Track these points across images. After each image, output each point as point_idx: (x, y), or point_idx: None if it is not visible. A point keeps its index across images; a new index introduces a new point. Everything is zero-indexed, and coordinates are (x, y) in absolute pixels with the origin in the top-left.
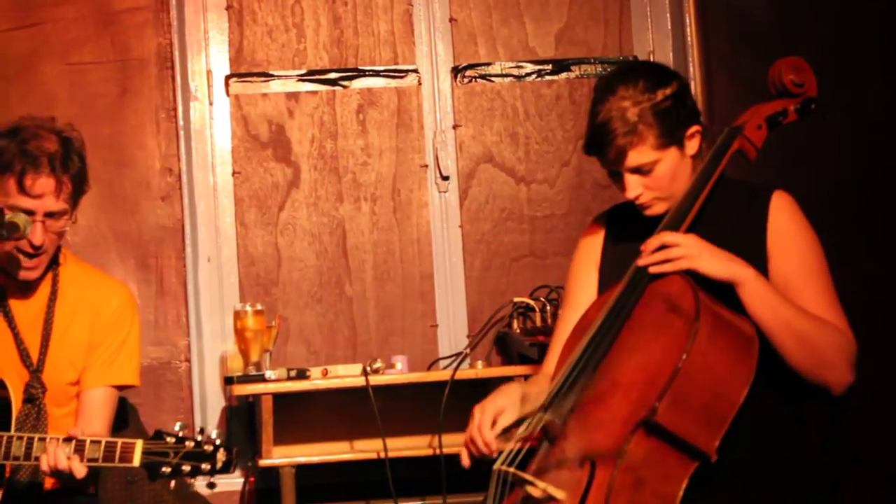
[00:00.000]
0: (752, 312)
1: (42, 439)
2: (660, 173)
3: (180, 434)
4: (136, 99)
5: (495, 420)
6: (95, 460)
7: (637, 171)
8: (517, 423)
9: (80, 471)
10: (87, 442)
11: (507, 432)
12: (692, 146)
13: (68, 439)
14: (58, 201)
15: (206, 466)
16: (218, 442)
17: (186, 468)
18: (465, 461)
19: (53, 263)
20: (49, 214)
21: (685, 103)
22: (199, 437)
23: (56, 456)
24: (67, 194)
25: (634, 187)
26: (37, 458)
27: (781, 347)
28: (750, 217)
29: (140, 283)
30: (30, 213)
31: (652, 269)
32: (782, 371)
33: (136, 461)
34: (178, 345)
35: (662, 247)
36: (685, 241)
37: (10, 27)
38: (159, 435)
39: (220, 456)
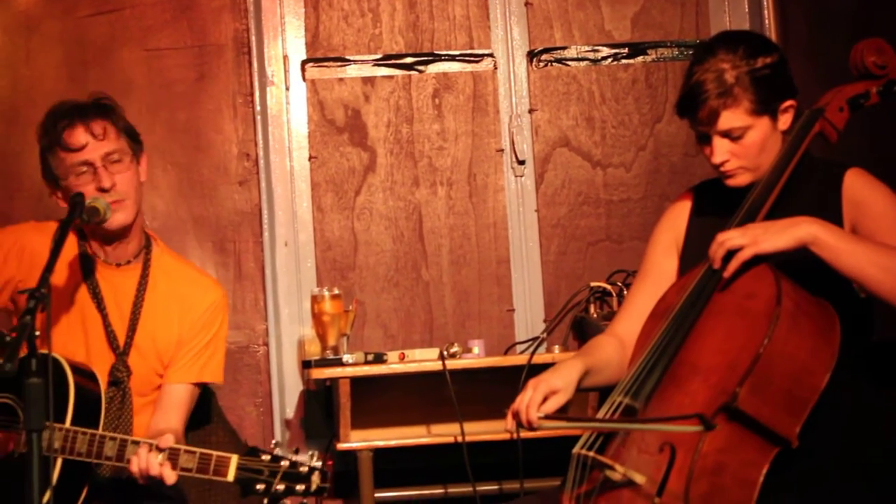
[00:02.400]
0: (833, 263)
1: (135, 443)
2: (749, 141)
3: (276, 451)
4: (213, 84)
5: (547, 398)
6: (189, 470)
7: (727, 135)
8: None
9: (170, 478)
10: (182, 451)
11: (554, 418)
12: (785, 120)
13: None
14: (105, 141)
15: (300, 487)
16: (314, 464)
17: (280, 487)
18: (510, 426)
19: (146, 247)
20: (107, 158)
21: (783, 75)
22: (295, 458)
23: (148, 461)
24: (114, 134)
25: (722, 152)
26: (128, 461)
27: (876, 288)
28: (825, 196)
29: (218, 267)
30: (87, 164)
31: (725, 275)
32: (865, 354)
33: (231, 476)
34: (255, 329)
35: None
36: (738, 233)
37: (90, 13)
38: (254, 451)
39: (315, 478)
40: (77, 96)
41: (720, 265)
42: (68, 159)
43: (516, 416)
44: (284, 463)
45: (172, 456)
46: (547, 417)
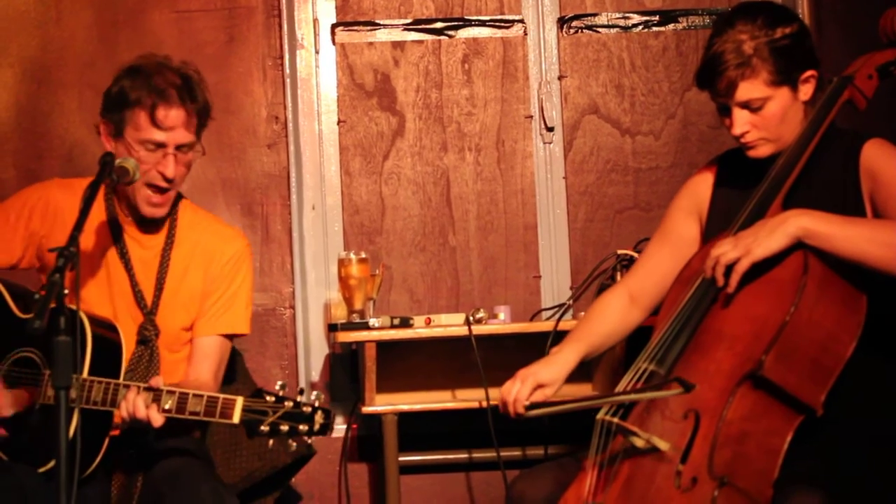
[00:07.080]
0: (831, 251)
1: (149, 389)
2: (769, 112)
3: (280, 393)
4: (243, 47)
5: (534, 390)
6: (197, 413)
7: (746, 106)
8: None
9: (157, 420)
10: (190, 395)
11: (540, 406)
12: (806, 91)
13: (166, 391)
14: (188, 133)
15: (303, 427)
16: (317, 404)
17: (284, 428)
18: (501, 410)
19: (173, 206)
20: (179, 147)
21: (803, 45)
22: (299, 398)
23: (135, 404)
24: (195, 126)
25: (741, 124)
26: (118, 405)
27: (879, 264)
28: (845, 167)
29: (246, 229)
30: (161, 146)
31: (728, 290)
32: (890, 323)
33: (236, 418)
34: (282, 292)
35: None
36: (730, 246)
37: None
38: (259, 393)
39: (318, 418)
40: (107, 58)
41: (723, 282)
42: (148, 130)
43: (504, 406)
44: (288, 403)
45: (182, 401)
46: (533, 406)
